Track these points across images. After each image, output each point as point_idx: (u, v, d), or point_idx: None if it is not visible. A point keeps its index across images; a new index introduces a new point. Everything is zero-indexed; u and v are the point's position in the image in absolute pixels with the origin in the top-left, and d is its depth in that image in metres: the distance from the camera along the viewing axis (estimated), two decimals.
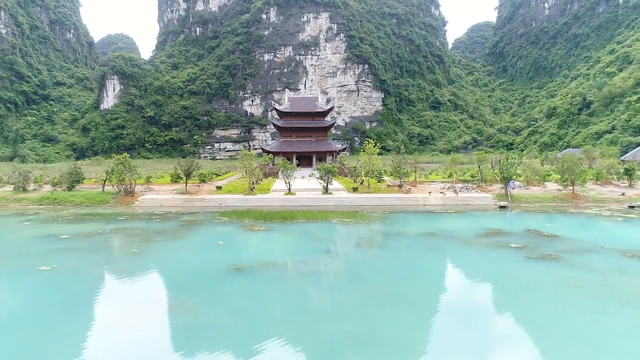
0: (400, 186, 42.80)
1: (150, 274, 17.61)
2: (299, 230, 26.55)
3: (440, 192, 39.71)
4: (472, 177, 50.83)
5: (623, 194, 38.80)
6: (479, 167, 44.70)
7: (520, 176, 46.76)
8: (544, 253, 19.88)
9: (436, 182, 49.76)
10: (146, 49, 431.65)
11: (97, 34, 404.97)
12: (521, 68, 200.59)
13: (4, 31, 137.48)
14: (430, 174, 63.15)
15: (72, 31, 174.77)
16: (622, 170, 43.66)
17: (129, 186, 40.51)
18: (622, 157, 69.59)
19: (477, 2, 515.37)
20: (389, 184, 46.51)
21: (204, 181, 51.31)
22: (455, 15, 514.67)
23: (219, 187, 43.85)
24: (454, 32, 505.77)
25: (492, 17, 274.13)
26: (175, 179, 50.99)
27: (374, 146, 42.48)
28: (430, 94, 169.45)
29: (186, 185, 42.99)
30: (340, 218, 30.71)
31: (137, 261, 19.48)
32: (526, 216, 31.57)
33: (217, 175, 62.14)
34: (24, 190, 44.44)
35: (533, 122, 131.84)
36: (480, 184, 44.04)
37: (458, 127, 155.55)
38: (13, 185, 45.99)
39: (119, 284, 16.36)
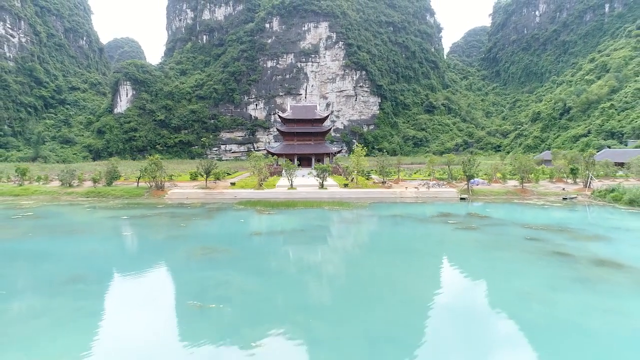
0: (383, 183, 51.50)
1: (199, 236, 26.30)
2: (299, 213, 35.30)
3: (415, 188, 48.38)
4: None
5: (563, 189, 47.42)
6: (448, 167, 53.36)
7: (486, 174, 55.43)
8: (469, 226, 28.58)
9: (416, 180, 58.35)
10: (150, 51, 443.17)
11: (102, 38, 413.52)
12: (513, 73, 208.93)
13: (23, 40, 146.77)
14: (415, 173, 71.84)
15: (84, 38, 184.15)
16: (569, 170, 52.17)
17: (159, 182, 49.29)
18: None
19: (474, 7, 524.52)
20: (376, 181, 55.18)
21: (218, 179, 59.90)
22: (453, 20, 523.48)
23: (233, 183, 52.66)
24: (451, 36, 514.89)
25: (488, 22, 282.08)
26: (194, 177, 59.76)
27: (362, 149, 51.15)
28: (425, 98, 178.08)
29: (206, 181, 51.77)
30: (331, 206, 39.38)
31: (187, 230, 28.20)
32: (476, 205, 40.21)
33: (228, 174, 70.90)
34: (70, 185, 53.23)
35: (519, 126, 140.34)
36: (451, 181, 52.68)
37: (451, 130, 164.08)
38: (60, 182, 54.80)
39: (179, 241, 25.06)
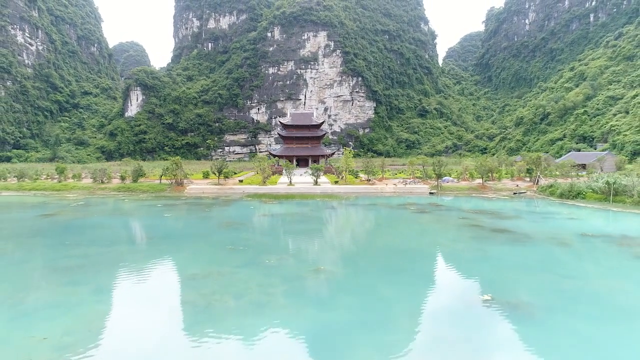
0: (368, 180, 60.83)
1: (221, 216, 35.62)
2: (296, 203, 44.65)
3: (394, 185, 57.71)
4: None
5: (517, 185, 56.70)
6: (423, 167, 62.70)
7: (461, 174, 64.66)
8: (424, 210, 37.90)
9: (399, 179, 67.67)
10: (153, 54, 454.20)
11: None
12: (504, 78, 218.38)
13: (40, 48, 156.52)
14: (400, 173, 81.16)
15: (95, 45, 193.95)
16: (526, 170, 61.47)
17: (179, 179, 58.63)
18: (557, 161, 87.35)
19: (471, 12, 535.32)
20: (363, 179, 64.49)
21: (227, 177, 69.21)
22: (451, 25, 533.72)
23: (241, 181, 62.03)
24: (448, 41, 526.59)
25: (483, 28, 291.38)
26: (206, 175, 69.11)
27: (350, 152, 60.51)
28: (418, 103, 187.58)
29: (218, 178, 61.16)
30: (322, 198, 48.71)
31: (211, 213, 37.54)
32: (440, 197, 49.50)
33: (234, 173, 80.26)
34: (102, 182, 62.55)
35: (504, 130, 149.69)
36: (426, 179, 62.01)
37: (442, 133, 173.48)
38: (92, 179, 64.12)
39: (208, 219, 34.39)
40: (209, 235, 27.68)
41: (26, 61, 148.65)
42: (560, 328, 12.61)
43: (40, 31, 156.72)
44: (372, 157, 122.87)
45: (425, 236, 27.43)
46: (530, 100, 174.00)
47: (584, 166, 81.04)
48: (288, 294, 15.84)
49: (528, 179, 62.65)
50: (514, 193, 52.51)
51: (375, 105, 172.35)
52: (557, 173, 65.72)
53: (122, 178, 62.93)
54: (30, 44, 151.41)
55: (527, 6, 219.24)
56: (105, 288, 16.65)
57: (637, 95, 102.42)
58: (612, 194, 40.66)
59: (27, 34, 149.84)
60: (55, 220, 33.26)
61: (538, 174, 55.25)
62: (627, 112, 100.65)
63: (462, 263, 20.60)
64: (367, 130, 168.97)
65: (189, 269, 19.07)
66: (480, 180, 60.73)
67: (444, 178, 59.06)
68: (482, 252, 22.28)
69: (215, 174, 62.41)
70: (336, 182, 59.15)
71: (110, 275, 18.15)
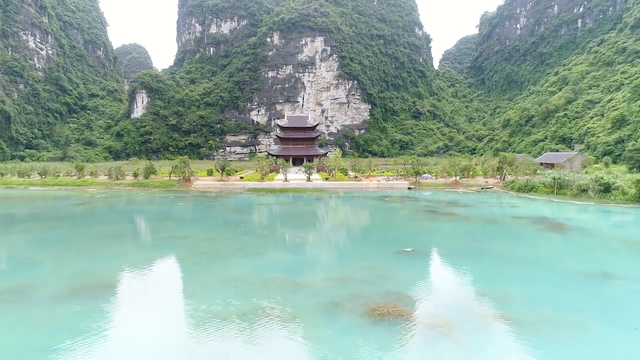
0: (355, 177, 68.00)
1: (225, 205, 42.75)
2: (290, 195, 51.82)
3: (377, 181, 64.87)
4: None
5: (487, 182, 63.83)
6: (404, 166, 69.87)
7: (441, 171, 71.72)
8: (397, 201, 45.04)
9: (384, 176, 74.79)
10: (155, 54, 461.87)
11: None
12: (496, 81, 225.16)
13: (50, 52, 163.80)
14: (388, 171, 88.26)
15: (101, 49, 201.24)
16: (497, 168, 68.52)
17: (187, 176, 65.80)
18: (535, 160, 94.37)
19: (468, 15, 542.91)
20: (351, 176, 71.63)
21: (229, 174, 76.38)
22: (447, 27, 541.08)
23: (241, 177, 69.21)
24: (445, 44, 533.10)
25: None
26: (210, 172, 76.29)
27: (339, 152, 67.68)
28: (412, 105, 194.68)
29: (222, 175, 68.34)
30: (313, 192, 55.85)
31: (216, 203, 44.69)
32: (418, 192, 56.63)
33: (236, 171, 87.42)
34: (117, 178, 69.70)
35: (492, 131, 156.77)
36: (407, 176, 69.17)
37: (434, 134, 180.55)
38: (107, 176, 71.27)
39: (215, 207, 41.53)
40: (216, 217, 34.88)
41: (37, 65, 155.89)
42: (458, 267, 19.75)
43: (50, 36, 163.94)
44: (367, 157, 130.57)
45: (387, 218, 34.62)
46: (518, 103, 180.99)
47: (552, 165, 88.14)
48: (275, 249, 23.04)
49: (499, 176, 69.72)
50: (482, 188, 59.61)
51: (370, 108, 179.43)
52: (528, 171, 72.85)
53: (135, 175, 69.95)
54: (41, 49, 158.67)
55: (518, 11, 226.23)
56: (144, 246, 23.87)
57: (612, 100, 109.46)
58: (557, 188, 47.83)
59: (37, 39, 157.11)
60: (87, 208, 40.44)
61: (504, 171, 62.38)
62: (602, 115, 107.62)
63: (404, 233, 27.78)
64: (362, 132, 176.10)
65: (204, 235, 26.24)
66: (455, 177, 67.81)
67: (423, 175, 66.21)
68: (424, 227, 29.49)
69: (218, 171, 69.54)
70: (327, 179, 66.29)
71: (146, 240, 25.37)
